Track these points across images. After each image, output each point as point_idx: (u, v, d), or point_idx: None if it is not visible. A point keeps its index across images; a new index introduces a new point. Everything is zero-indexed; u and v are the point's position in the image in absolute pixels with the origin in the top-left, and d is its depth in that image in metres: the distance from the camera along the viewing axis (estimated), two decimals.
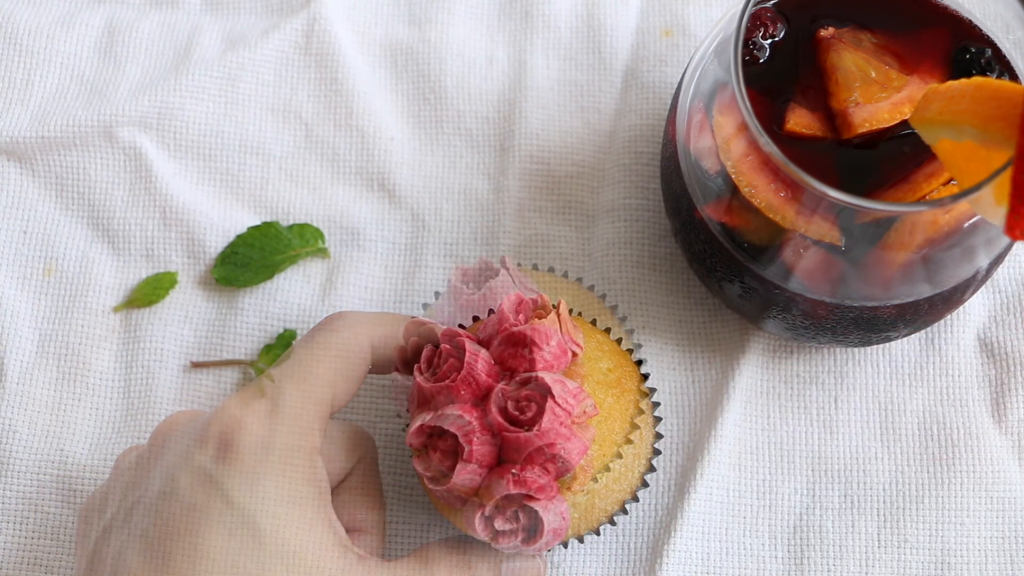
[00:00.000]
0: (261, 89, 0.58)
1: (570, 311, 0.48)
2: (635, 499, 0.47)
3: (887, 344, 0.54)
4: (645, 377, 0.48)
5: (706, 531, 0.51)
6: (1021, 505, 0.52)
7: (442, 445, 0.43)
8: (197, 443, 0.38)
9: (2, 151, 0.57)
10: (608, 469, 0.45)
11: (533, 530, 0.43)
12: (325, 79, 0.58)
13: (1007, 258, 0.53)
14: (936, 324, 0.53)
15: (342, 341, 0.43)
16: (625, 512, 0.47)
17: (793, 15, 0.49)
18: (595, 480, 0.45)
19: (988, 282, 0.54)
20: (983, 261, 0.47)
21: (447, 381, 0.43)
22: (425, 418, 0.44)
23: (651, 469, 0.48)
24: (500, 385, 0.43)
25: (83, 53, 0.59)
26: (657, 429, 0.49)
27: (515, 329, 0.44)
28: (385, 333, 0.44)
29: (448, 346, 0.45)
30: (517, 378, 0.43)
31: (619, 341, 0.49)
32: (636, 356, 0.49)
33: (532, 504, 0.43)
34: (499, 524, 0.43)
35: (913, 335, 0.53)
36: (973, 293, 0.50)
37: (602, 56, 0.59)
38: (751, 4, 0.43)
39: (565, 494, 0.44)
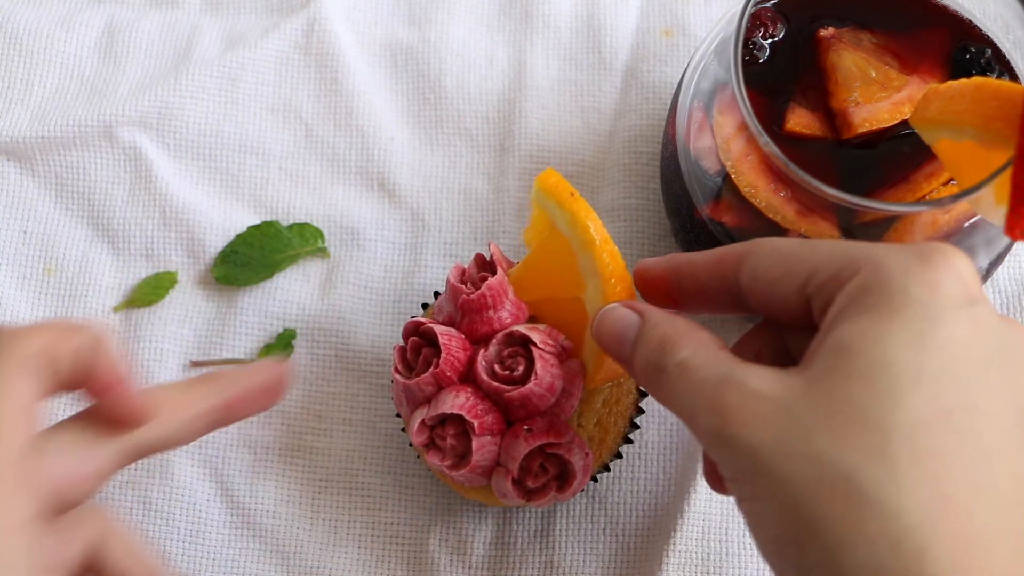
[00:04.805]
0: (261, 89, 0.58)
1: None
2: (640, 411, 0.48)
3: None
4: None
5: (706, 531, 0.51)
6: None
7: (450, 431, 0.44)
8: None
9: (2, 151, 0.57)
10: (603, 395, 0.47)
11: (564, 475, 0.45)
12: (325, 79, 0.58)
13: (1007, 258, 0.53)
14: None
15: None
16: (636, 427, 0.48)
17: (793, 15, 0.49)
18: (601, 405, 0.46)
19: (988, 282, 0.54)
20: (983, 261, 0.47)
21: (431, 370, 0.44)
22: (423, 413, 0.44)
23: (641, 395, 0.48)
24: (481, 354, 0.44)
25: (83, 53, 0.59)
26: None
27: (471, 297, 0.44)
28: (50, 337, 0.38)
29: (416, 338, 0.45)
30: (493, 341, 0.44)
31: None
32: None
33: (555, 451, 0.43)
34: (531, 483, 0.44)
35: None
36: None
37: (602, 56, 0.59)
38: (751, 4, 0.43)
39: (579, 431, 0.45)
